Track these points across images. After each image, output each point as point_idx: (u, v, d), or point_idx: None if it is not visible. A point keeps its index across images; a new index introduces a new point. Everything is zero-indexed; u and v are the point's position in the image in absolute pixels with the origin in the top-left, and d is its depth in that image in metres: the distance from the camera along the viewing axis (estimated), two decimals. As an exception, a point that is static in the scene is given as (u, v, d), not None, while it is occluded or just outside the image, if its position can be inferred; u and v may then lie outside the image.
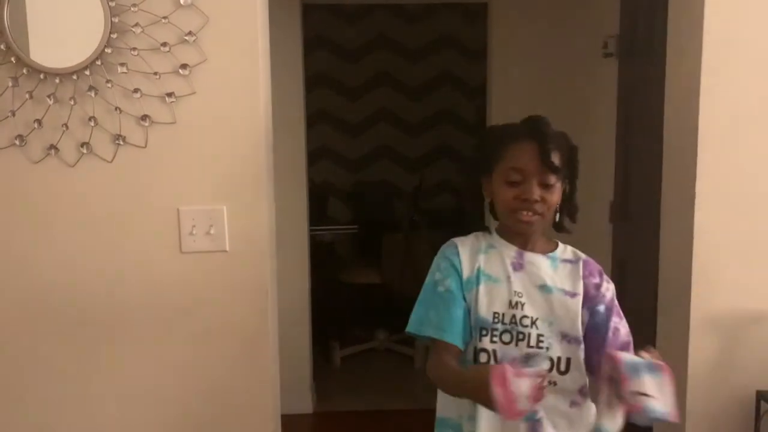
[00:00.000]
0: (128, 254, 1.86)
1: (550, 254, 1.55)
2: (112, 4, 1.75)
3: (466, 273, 1.52)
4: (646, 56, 2.81)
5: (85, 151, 1.82)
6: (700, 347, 2.19)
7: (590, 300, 1.52)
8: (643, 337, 2.68)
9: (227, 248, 1.87)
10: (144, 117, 1.81)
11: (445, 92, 5.95)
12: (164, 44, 1.78)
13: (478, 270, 1.52)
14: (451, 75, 5.92)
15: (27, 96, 1.79)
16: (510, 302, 1.49)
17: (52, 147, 1.81)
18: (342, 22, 5.79)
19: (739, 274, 2.16)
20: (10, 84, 1.78)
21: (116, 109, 1.81)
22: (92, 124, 1.81)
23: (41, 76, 1.78)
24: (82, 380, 1.90)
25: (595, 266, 1.58)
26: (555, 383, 1.48)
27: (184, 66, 1.79)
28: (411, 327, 1.55)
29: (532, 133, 1.47)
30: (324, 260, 4.78)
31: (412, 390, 4.07)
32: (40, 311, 1.87)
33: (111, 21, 1.76)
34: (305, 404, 3.74)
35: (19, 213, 1.84)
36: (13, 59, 1.77)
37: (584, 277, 1.54)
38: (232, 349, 1.91)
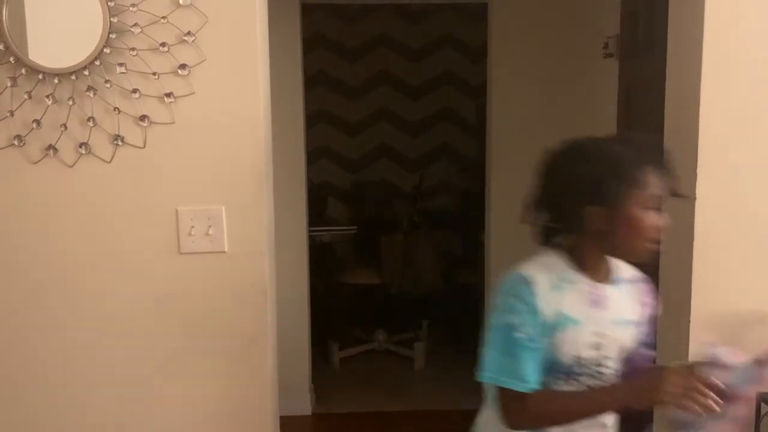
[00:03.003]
0: (126, 255, 1.86)
1: (614, 278, 1.49)
2: (111, 4, 1.75)
3: (545, 316, 1.39)
4: (647, 56, 2.81)
5: (83, 151, 1.81)
6: (701, 348, 2.18)
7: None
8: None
9: (226, 249, 1.86)
10: (143, 117, 1.80)
11: (445, 92, 5.95)
12: (163, 44, 1.78)
13: (559, 313, 1.40)
14: (451, 75, 5.92)
15: (26, 96, 1.78)
16: (592, 344, 1.43)
17: (51, 147, 1.81)
18: (342, 22, 5.79)
19: (739, 274, 2.16)
20: (9, 84, 1.77)
21: (115, 109, 1.80)
22: (91, 124, 1.80)
23: (40, 76, 1.77)
24: (78, 379, 1.90)
25: (650, 285, 1.56)
26: None
27: (183, 66, 1.79)
28: (487, 375, 1.42)
29: (660, 158, 1.41)
30: (323, 261, 4.78)
31: (412, 391, 4.07)
32: (38, 311, 1.87)
33: (110, 21, 1.75)
34: (304, 406, 3.74)
35: (17, 213, 1.84)
36: (11, 59, 1.76)
37: (643, 303, 1.52)
38: (231, 350, 1.90)
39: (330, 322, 4.54)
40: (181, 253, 1.86)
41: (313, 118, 4.96)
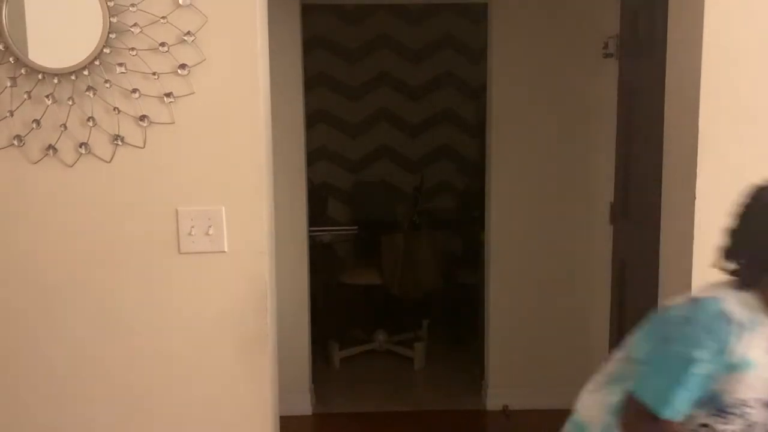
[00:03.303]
0: (126, 254, 1.86)
1: None
2: (111, 4, 1.75)
3: (731, 357, 1.36)
4: (647, 56, 2.81)
5: (83, 151, 1.82)
6: None
7: None
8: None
9: (226, 249, 1.86)
10: (142, 117, 1.81)
11: (446, 92, 5.95)
12: (163, 44, 1.78)
13: (743, 355, 1.37)
14: (451, 75, 5.91)
15: (25, 96, 1.78)
16: (755, 387, 1.40)
17: (51, 147, 1.81)
18: (342, 22, 5.79)
19: (739, 275, 2.15)
20: (9, 84, 1.78)
21: (115, 109, 1.80)
22: (91, 124, 1.80)
23: (40, 76, 1.78)
24: (79, 379, 1.90)
25: None
26: None
27: (182, 66, 1.79)
28: (646, 396, 1.40)
29: None
30: (323, 261, 4.78)
31: (412, 391, 4.07)
32: (38, 311, 1.87)
33: (109, 21, 1.75)
34: (304, 406, 3.74)
35: (17, 213, 1.84)
36: (11, 59, 1.76)
37: None
38: (231, 350, 1.91)
39: (330, 323, 4.54)
40: (181, 253, 1.86)
41: (313, 119, 4.96)
